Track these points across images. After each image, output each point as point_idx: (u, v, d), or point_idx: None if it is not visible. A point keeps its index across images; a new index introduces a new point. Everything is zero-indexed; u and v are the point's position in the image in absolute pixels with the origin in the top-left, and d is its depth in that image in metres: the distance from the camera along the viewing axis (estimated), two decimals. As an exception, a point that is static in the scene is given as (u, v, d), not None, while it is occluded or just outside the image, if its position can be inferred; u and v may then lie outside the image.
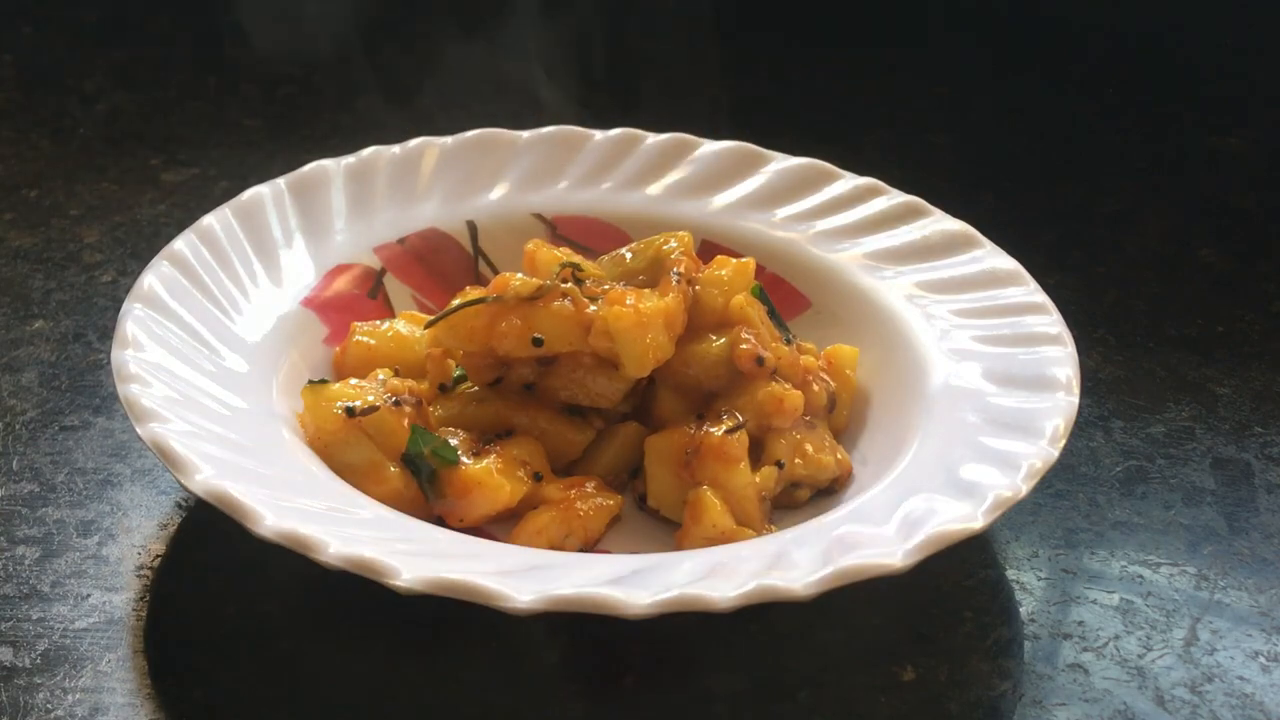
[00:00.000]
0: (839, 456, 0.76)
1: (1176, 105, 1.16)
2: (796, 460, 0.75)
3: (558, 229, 0.88)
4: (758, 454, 0.74)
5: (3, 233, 0.98)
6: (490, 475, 0.72)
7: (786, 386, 0.75)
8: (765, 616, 0.64)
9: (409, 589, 0.62)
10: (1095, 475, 0.81)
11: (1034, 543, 0.76)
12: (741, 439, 0.73)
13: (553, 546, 0.71)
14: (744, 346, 0.75)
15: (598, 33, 1.21)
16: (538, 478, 0.73)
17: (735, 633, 0.67)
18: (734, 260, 0.78)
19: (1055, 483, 0.79)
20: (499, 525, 0.73)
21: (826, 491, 0.76)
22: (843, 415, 0.79)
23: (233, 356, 0.77)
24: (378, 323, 0.81)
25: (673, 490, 0.73)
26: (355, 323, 0.80)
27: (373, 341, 0.79)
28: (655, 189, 0.89)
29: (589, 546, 0.73)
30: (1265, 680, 0.69)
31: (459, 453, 0.73)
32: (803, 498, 0.75)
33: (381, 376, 0.76)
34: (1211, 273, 0.98)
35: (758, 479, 0.73)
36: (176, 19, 1.25)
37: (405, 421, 0.73)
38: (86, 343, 0.88)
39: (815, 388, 0.77)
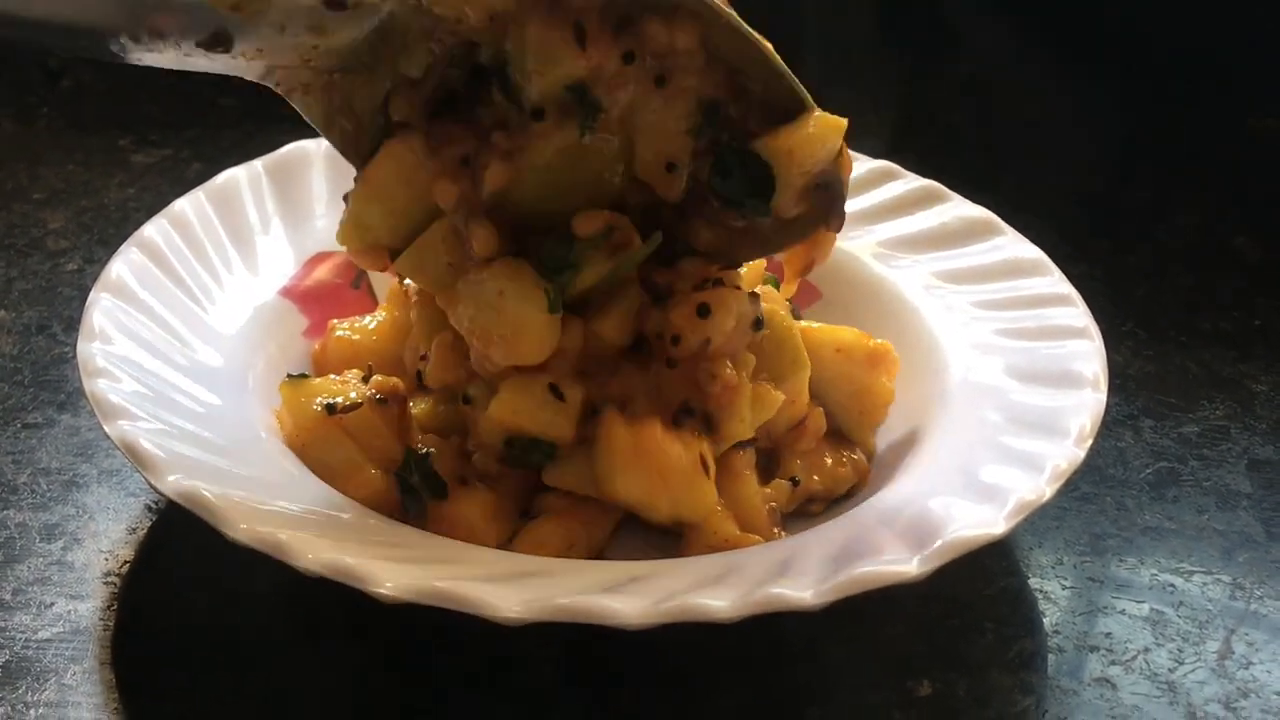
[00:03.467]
0: (855, 456, 0.76)
1: (1212, 83, 1.16)
2: (814, 477, 0.75)
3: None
4: (772, 469, 0.75)
5: (-38, 218, 0.98)
6: (479, 521, 0.72)
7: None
8: (772, 628, 0.64)
9: (393, 598, 0.62)
10: (1124, 478, 0.81)
11: (1059, 549, 0.76)
12: (748, 456, 0.73)
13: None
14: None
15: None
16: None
17: (740, 645, 0.67)
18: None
19: (1081, 485, 0.79)
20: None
21: (840, 496, 0.76)
22: None
23: (206, 350, 0.77)
24: (357, 318, 0.80)
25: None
26: (333, 320, 0.80)
27: (355, 337, 0.79)
28: (656, 173, 0.89)
29: (594, 556, 0.73)
30: (1304, 696, 0.69)
31: (447, 486, 0.72)
32: (816, 510, 0.75)
33: (349, 376, 0.75)
34: (1248, 263, 0.98)
35: (769, 490, 0.73)
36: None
37: (389, 424, 0.73)
38: (51, 335, 0.88)
39: None
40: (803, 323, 0.78)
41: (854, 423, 0.77)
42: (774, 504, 0.74)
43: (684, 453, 0.70)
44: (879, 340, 0.77)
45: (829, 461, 0.75)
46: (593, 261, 0.71)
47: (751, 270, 0.76)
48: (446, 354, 0.73)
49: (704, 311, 0.70)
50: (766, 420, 0.73)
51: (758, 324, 0.71)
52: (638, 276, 0.72)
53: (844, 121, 0.70)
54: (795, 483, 0.74)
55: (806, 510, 0.75)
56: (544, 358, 0.70)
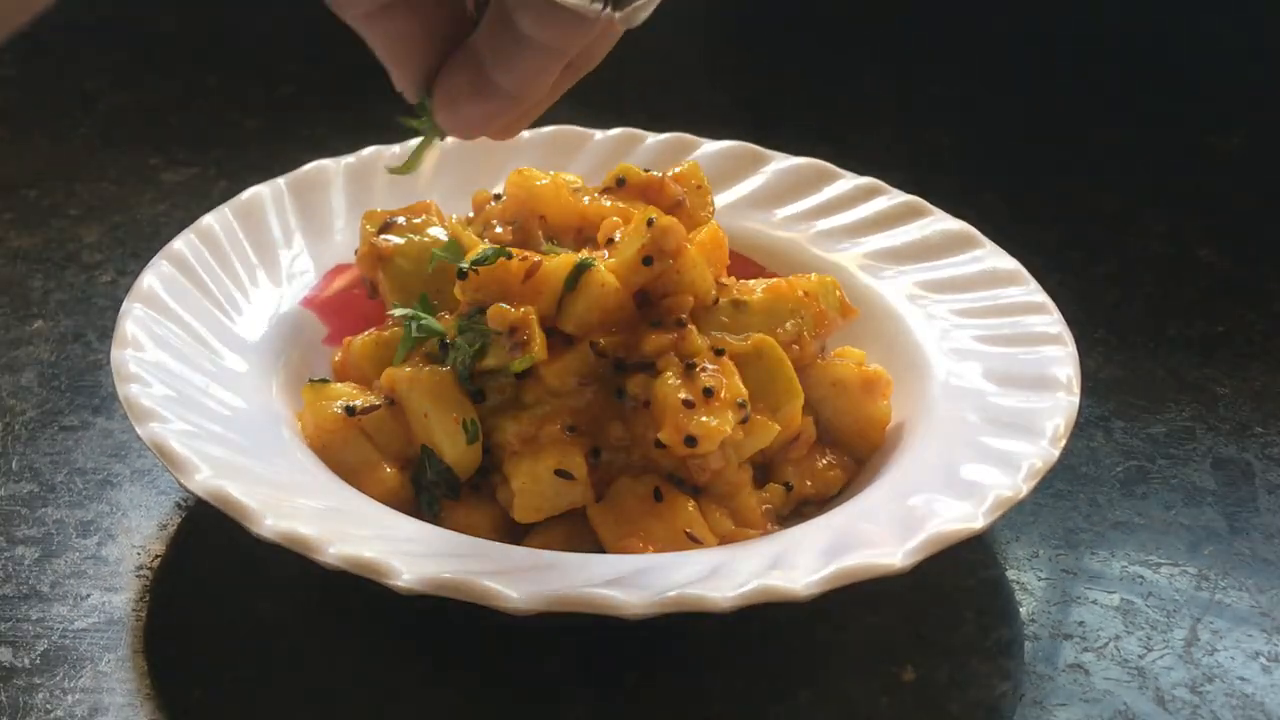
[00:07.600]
0: (844, 458, 0.76)
1: (1177, 103, 1.16)
2: (807, 482, 0.75)
3: (558, 231, 0.88)
4: (766, 473, 0.75)
5: (2, 233, 0.98)
6: (485, 531, 0.71)
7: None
8: (765, 617, 0.64)
9: (409, 589, 0.62)
10: (1096, 475, 0.81)
11: (1034, 543, 0.76)
12: (744, 471, 0.73)
13: None
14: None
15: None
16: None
17: (735, 632, 0.67)
18: None
19: (1056, 483, 0.79)
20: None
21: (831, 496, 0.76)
22: None
23: (232, 356, 0.77)
24: (373, 330, 0.80)
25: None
26: (348, 337, 0.80)
27: (376, 345, 0.79)
28: (655, 189, 0.89)
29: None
30: (1266, 681, 0.69)
31: (460, 486, 0.72)
32: (810, 513, 0.75)
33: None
34: (1212, 273, 0.98)
35: (764, 494, 0.73)
36: (178, 18, 1.25)
37: (404, 425, 0.73)
38: (86, 343, 0.88)
39: None
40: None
41: (856, 445, 0.76)
42: (769, 505, 0.74)
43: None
44: (872, 367, 0.77)
45: (820, 465, 0.75)
46: (495, 350, 0.71)
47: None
48: None
49: (690, 443, 0.69)
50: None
51: (744, 420, 0.71)
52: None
53: None
54: (789, 487, 0.74)
55: (800, 512, 0.75)
56: (465, 477, 0.72)
